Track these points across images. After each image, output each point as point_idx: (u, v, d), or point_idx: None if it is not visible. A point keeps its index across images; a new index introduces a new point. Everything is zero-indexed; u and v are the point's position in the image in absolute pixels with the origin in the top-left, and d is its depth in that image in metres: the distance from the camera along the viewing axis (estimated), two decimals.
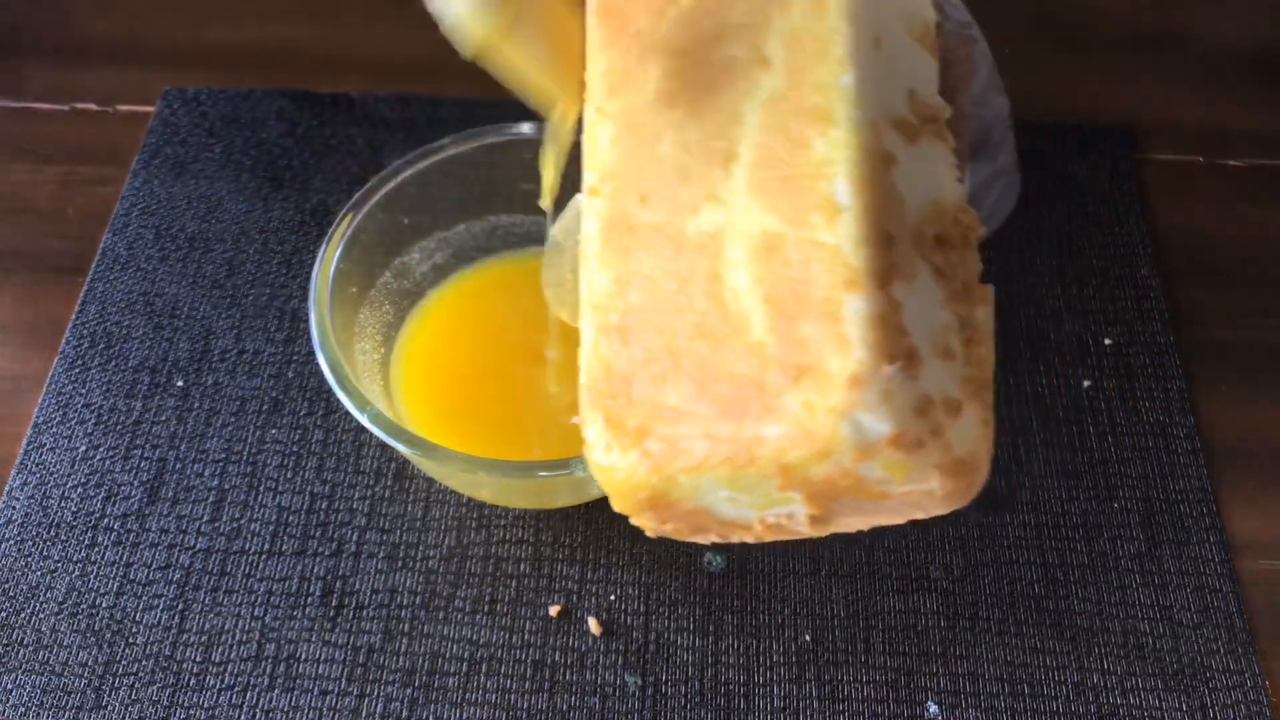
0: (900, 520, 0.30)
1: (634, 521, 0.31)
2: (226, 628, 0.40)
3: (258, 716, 0.38)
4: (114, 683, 0.39)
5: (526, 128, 0.41)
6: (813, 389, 0.26)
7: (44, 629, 0.40)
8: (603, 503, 0.42)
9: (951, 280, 0.29)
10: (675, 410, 0.28)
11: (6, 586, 0.40)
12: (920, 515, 0.30)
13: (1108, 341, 0.47)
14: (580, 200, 0.31)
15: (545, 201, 0.37)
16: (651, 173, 0.29)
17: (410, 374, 0.42)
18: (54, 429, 0.44)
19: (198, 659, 0.39)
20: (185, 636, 0.39)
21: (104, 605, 0.40)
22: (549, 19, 0.33)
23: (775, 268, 0.27)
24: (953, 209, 0.30)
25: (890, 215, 0.28)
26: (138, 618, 0.40)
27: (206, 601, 0.40)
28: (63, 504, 0.42)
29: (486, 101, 0.55)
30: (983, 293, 0.30)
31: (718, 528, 0.30)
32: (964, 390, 0.28)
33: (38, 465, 0.43)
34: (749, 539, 0.31)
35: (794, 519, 0.29)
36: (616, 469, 0.28)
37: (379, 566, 0.41)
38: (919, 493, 0.28)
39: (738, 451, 0.27)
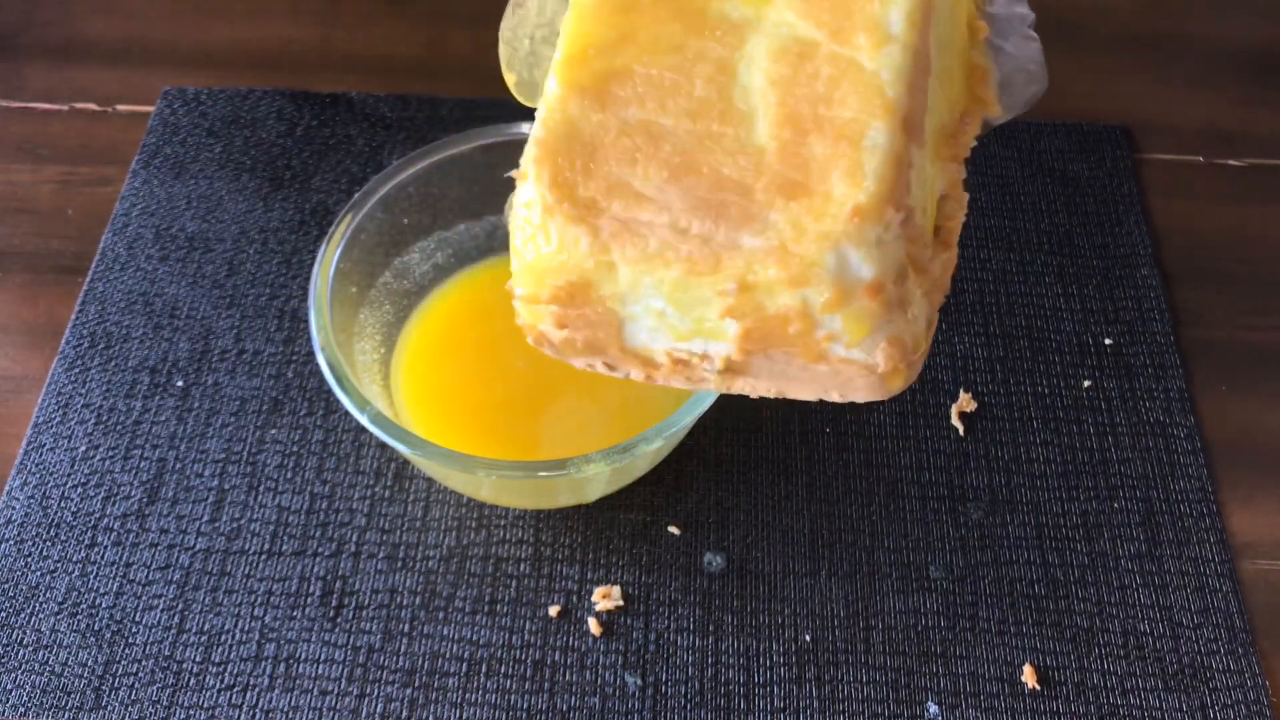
0: (810, 396, 0.28)
1: (523, 317, 0.27)
2: (226, 628, 0.40)
3: (257, 716, 0.38)
4: (114, 683, 0.38)
5: (526, 128, 0.41)
6: (807, 210, 0.24)
7: (44, 629, 0.40)
8: (602, 503, 0.42)
9: (945, 174, 0.28)
10: (639, 194, 0.25)
11: (6, 586, 0.40)
12: (836, 397, 0.27)
13: (1108, 341, 0.47)
14: None
15: None
16: None
17: (410, 374, 0.42)
18: (54, 429, 0.44)
19: (197, 659, 0.39)
20: (185, 637, 0.39)
21: (104, 605, 0.40)
22: None
23: (800, 76, 0.25)
24: (960, 110, 0.28)
25: (922, 73, 0.26)
26: (137, 618, 0.40)
27: (206, 601, 0.40)
28: (62, 504, 0.42)
29: (486, 101, 0.55)
30: (962, 198, 0.28)
31: (615, 353, 0.27)
32: (928, 284, 0.27)
33: (37, 465, 0.43)
34: (638, 375, 0.28)
35: (707, 361, 0.27)
36: (550, 239, 0.25)
37: (379, 567, 0.41)
38: (857, 365, 0.26)
39: (702, 254, 0.24)
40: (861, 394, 0.27)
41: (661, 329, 0.26)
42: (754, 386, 0.28)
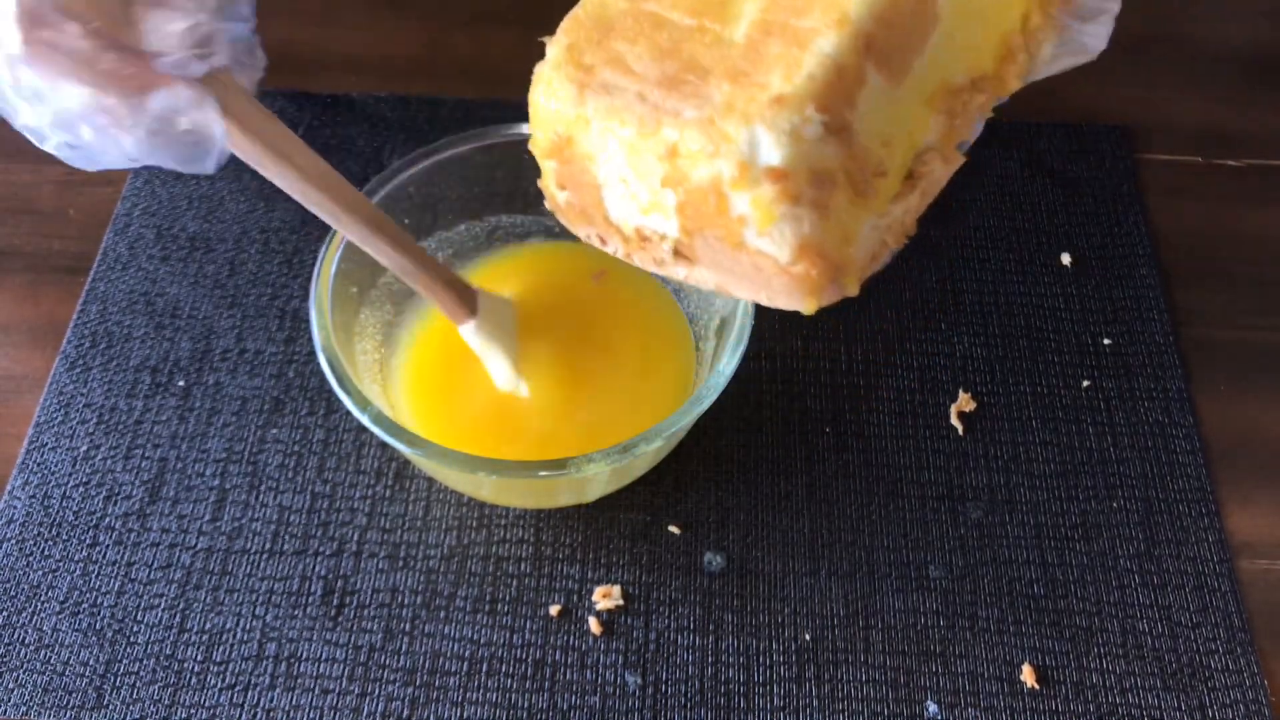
0: (747, 295, 0.31)
1: (544, 177, 0.31)
2: (227, 627, 0.40)
3: (259, 716, 0.38)
4: (115, 682, 0.39)
5: (526, 128, 0.41)
6: (742, 94, 0.27)
7: (45, 628, 0.40)
8: (602, 502, 0.42)
9: (935, 126, 0.30)
10: (628, 68, 0.29)
11: (8, 586, 0.41)
12: (764, 299, 0.30)
13: (1107, 341, 0.47)
14: None
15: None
16: None
17: (411, 374, 0.42)
18: (55, 429, 0.44)
19: (199, 658, 0.39)
20: (186, 636, 0.40)
21: (105, 605, 0.40)
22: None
23: None
24: (976, 75, 0.30)
25: (915, 16, 0.28)
26: (139, 617, 0.40)
27: (207, 601, 0.40)
28: (64, 503, 0.42)
29: (486, 101, 0.55)
30: (952, 156, 0.31)
31: (601, 222, 0.31)
32: (885, 220, 0.29)
33: (39, 465, 0.43)
34: (621, 252, 0.31)
35: (665, 241, 0.30)
36: (550, 91, 0.30)
37: (380, 566, 0.41)
38: (771, 260, 0.28)
39: (651, 117, 0.28)
40: (782, 299, 0.30)
41: (628, 198, 0.30)
42: (703, 279, 0.31)
